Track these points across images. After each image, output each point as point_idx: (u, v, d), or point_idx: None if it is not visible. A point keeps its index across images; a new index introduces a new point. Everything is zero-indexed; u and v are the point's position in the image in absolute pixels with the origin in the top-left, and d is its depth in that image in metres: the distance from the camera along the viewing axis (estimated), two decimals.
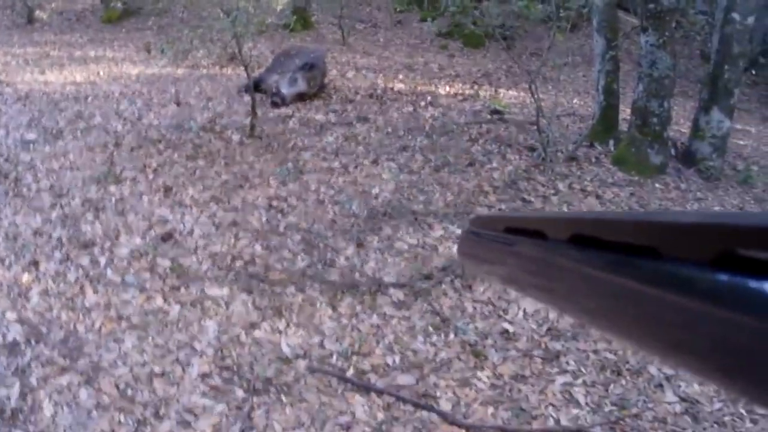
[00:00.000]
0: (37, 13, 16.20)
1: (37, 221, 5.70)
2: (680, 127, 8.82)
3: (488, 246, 0.70)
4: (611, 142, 7.83)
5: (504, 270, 0.68)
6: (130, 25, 15.38)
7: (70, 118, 8.23)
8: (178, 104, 8.81)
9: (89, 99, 9.11)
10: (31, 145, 7.34)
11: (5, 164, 6.80)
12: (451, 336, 4.44)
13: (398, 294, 4.86)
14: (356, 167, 6.88)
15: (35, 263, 5.12)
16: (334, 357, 4.21)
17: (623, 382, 4.11)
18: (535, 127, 7.46)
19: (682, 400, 3.97)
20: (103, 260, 5.12)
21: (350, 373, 4.08)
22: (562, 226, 0.52)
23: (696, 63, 14.03)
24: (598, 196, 6.65)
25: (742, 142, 9.54)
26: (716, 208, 6.91)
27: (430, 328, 4.51)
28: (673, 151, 7.76)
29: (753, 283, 0.30)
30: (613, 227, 0.45)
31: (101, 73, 10.86)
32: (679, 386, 4.03)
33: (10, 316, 4.50)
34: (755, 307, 0.30)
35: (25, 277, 4.93)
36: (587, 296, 0.48)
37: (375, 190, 6.36)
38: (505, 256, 0.65)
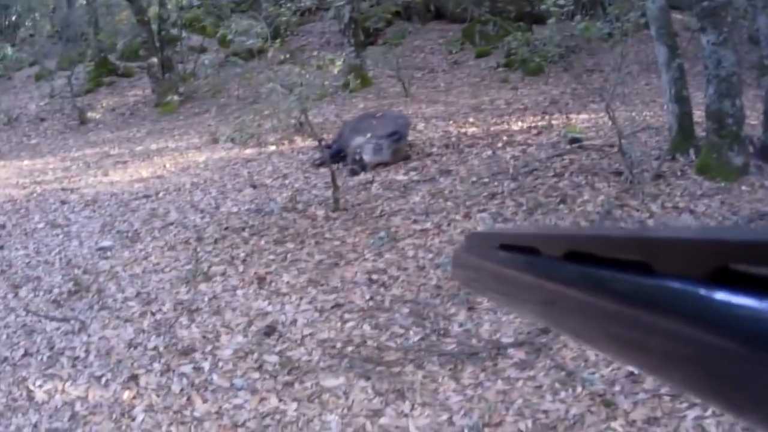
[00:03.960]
0: (89, 113, 16.53)
1: (128, 332, 5.74)
2: (748, 120, 8.68)
3: (482, 264, 0.72)
4: (692, 151, 7.74)
5: (498, 288, 0.71)
6: (186, 111, 15.61)
7: (144, 217, 8.34)
8: (254, 187, 8.88)
9: (160, 194, 9.24)
10: (108, 252, 7.42)
11: (84, 276, 6.87)
12: (579, 389, 4.33)
13: (519, 354, 4.77)
14: (449, 224, 6.82)
15: (134, 378, 5.13)
16: None
17: None
18: (616, 149, 7.41)
19: None
20: (206, 365, 5.11)
21: None
22: (557, 243, 0.54)
23: (747, 48, 13.87)
24: (691, 211, 6.56)
25: None
26: None
27: (557, 385, 4.40)
28: (750, 149, 7.63)
29: (748, 300, 0.31)
30: (607, 243, 0.47)
31: (167, 166, 11.03)
32: None
33: None
34: (750, 324, 0.31)
35: (126, 395, 4.94)
36: (578, 314, 0.49)
37: None
38: (498, 273, 0.68)
